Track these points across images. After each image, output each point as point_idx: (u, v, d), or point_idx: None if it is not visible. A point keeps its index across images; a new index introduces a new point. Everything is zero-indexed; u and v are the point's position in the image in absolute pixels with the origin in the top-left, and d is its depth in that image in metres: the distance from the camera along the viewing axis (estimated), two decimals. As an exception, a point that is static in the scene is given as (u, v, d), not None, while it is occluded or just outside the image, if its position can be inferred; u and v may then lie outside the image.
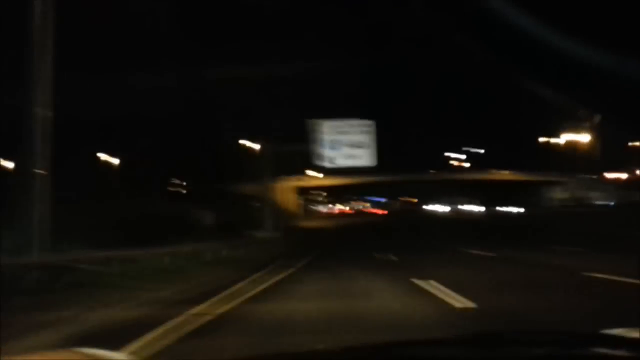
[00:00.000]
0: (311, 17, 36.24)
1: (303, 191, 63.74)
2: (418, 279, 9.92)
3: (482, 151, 69.58)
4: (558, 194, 60.29)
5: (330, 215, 77.14)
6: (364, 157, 28.97)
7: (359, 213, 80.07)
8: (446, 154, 70.43)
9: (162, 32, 30.94)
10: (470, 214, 61.46)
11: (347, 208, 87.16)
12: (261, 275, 11.78)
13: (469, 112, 69.14)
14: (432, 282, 9.42)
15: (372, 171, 66.91)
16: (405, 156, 76.27)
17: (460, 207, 66.39)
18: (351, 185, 65.91)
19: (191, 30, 31.73)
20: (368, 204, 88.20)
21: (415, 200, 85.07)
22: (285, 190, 56.60)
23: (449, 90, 67.01)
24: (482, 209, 61.59)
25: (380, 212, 79.80)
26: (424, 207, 75.36)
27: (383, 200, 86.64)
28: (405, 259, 16.23)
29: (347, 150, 28.96)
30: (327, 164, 29.09)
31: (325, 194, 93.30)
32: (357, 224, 50.45)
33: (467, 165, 68.11)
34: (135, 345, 4.62)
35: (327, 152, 28.99)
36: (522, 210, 51.15)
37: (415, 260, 15.89)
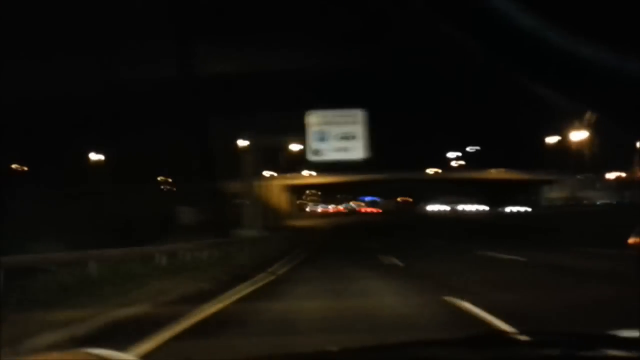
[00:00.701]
0: (310, 14, 34.22)
1: (295, 189, 60.60)
2: (450, 298, 6.56)
3: (478, 148, 66.84)
4: (558, 193, 57.81)
5: (323, 214, 74.77)
6: (355, 150, 25.71)
7: (354, 212, 78.82)
8: (443, 152, 67.94)
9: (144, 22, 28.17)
10: (474, 213, 57.72)
11: (341, 207, 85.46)
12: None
13: (468, 110, 66.69)
14: (468, 305, 6.08)
15: (366, 169, 64.63)
16: (401, 154, 73.92)
17: (461, 206, 62.80)
18: (345, 183, 63.02)
19: (183, 21, 29.12)
20: (362, 204, 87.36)
21: (410, 199, 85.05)
22: (277, 188, 53.76)
23: (448, 89, 64.37)
24: (485, 208, 57.94)
25: (374, 210, 78.98)
26: (422, 206, 72.29)
27: (377, 199, 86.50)
28: (413, 264, 12.89)
29: (336, 143, 25.71)
30: (314, 158, 25.81)
31: (318, 192, 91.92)
32: (352, 223, 47.06)
33: (462, 163, 65.24)
34: None
35: (314, 144, 25.72)
36: (529, 209, 47.84)
37: (426, 265, 12.63)
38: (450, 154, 67.66)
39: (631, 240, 7.38)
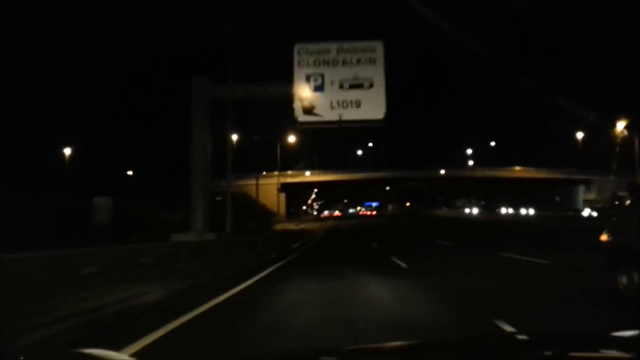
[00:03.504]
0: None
1: (293, 190, 50.13)
2: None
3: (493, 144, 56.57)
4: (596, 194, 48.07)
5: (317, 218, 66.14)
6: (371, 105, 15.46)
7: (354, 216, 70.44)
8: (459, 149, 57.83)
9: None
10: (534, 217, 44.11)
11: (336, 212, 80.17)
12: None
13: (485, 103, 57.38)
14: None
15: (374, 167, 54.74)
16: (413, 152, 65.25)
17: (504, 209, 49.77)
18: (349, 183, 52.76)
19: None
20: (360, 207, 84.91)
21: (408, 203, 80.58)
22: (269, 187, 44.08)
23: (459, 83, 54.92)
24: (531, 211, 45.44)
25: (369, 213, 76.19)
26: (435, 210, 61.50)
27: (375, 204, 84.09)
28: None
29: (341, 94, 15.44)
30: (305, 118, 15.49)
31: (314, 195, 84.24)
32: (353, 227, 36.30)
33: (471, 163, 54.94)
34: None
35: (306, 96, 15.40)
36: (594, 213, 36.61)
37: None
38: (467, 151, 57.23)
39: (603, 237, 5.66)
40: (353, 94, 15.41)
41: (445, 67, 51.73)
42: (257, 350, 2.24)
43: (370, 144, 59.65)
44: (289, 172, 49.87)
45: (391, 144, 64.61)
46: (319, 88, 15.46)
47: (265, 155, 44.86)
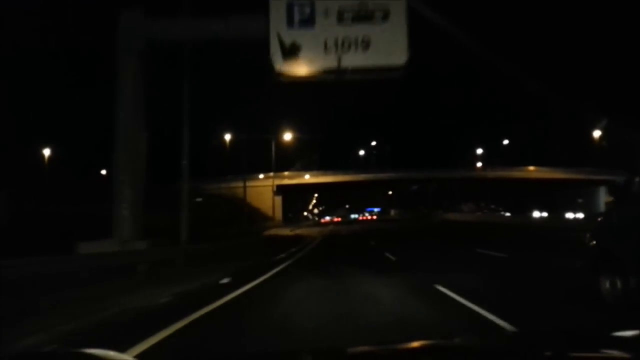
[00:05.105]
0: None
1: (284, 192, 44.71)
2: None
3: (507, 142, 51.04)
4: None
5: (316, 223, 61.87)
6: (381, 44, 9.95)
7: (355, 221, 65.19)
8: (468, 149, 52.40)
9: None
10: (562, 219, 36.76)
11: (336, 217, 75.45)
12: None
13: (492, 101, 52.17)
14: None
15: (377, 168, 49.34)
16: (417, 152, 60.17)
17: (537, 213, 42.73)
18: (346, 183, 47.25)
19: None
20: (362, 213, 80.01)
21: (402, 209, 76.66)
22: (262, 190, 38.99)
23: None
24: (580, 215, 38.56)
25: (370, 218, 73.39)
26: (443, 213, 55.52)
27: (377, 209, 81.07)
28: None
29: (341, 30, 9.91)
30: (286, 67, 9.92)
31: (315, 200, 79.99)
32: (356, 232, 30.73)
33: (479, 164, 49.51)
34: None
35: (288, 34, 9.86)
36: None
37: None
38: (473, 152, 51.72)
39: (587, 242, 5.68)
40: (358, 30, 9.93)
41: (451, 67, 46.68)
42: (258, 351, 2.25)
43: (374, 143, 54.33)
44: (286, 173, 44.75)
45: (396, 143, 59.24)
46: (306, 22, 9.98)
47: (258, 155, 39.58)
